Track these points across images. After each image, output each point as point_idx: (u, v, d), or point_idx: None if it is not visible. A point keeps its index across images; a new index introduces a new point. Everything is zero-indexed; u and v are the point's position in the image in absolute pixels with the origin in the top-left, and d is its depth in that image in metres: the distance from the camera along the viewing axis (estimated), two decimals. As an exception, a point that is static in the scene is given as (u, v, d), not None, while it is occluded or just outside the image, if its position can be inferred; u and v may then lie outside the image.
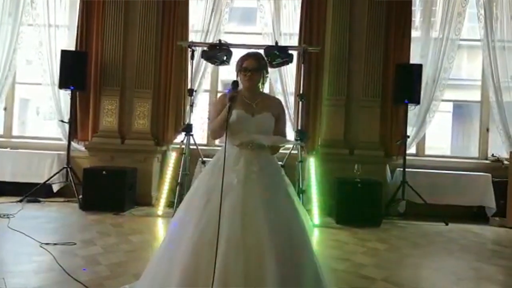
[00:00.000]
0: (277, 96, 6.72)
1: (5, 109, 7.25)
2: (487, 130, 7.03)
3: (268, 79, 2.99)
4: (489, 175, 6.51)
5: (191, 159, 6.35)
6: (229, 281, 2.37)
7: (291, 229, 2.62)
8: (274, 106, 2.93)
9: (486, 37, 6.68)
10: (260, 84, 2.90)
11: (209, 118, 6.88)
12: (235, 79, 2.84)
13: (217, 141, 7.07)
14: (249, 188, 2.62)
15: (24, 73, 7.47)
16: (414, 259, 4.53)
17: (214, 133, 2.85)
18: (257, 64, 2.85)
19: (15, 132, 7.44)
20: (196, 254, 2.45)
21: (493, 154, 6.90)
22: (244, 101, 2.80)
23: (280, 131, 2.92)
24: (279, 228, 2.55)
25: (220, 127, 2.71)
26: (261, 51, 5.89)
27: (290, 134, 6.34)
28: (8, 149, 6.91)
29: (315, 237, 5.30)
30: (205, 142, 7.09)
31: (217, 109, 2.83)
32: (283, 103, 6.54)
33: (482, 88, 7.09)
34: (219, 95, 3.30)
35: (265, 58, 2.99)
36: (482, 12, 6.70)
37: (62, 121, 6.71)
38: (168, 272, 2.55)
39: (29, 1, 6.93)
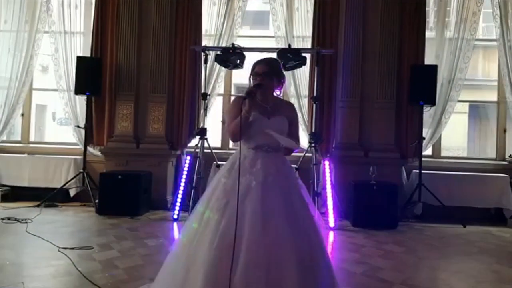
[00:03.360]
0: (290, 99, 6.76)
1: (22, 115, 7.36)
2: (504, 130, 6.93)
3: (283, 84, 2.99)
4: (507, 176, 6.41)
5: (206, 163, 6.37)
6: (250, 283, 2.39)
7: (307, 230, 2.65)
8: (287, 109, 2.97)
9: (502, 36, 6.59)
10: (274, 89, 2.92)
11: (223, 122, 6.99)
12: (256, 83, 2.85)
13: (231, 145, 7.12)
14: (267, 190, 2.63)
15: (41, 80, 7.57)
16: (432, 261, 4.48)
17: (234, 135, 2.80)
18: (268, 69, 2.87)
19: (32, 138, 7.56)
20: (218, 256, 2.45)
21: (510, 155, 6.80)
22: (259, 104, 2.81)
23: (293, 134, 2.94)
24: (297, 229, 2.57)
25: (241, 126, 2.69)
26: (274, 54, 5.93)
27: (304, 137, 6.33)
28: (25, 155, 7.01)
29: (332, 240, 5.28)
30: (219, 145, 7.11)
31: (232, 112, 2.84)
32: (297, 106, 6.65)
33: (498, 88, 6.99)
34: (232, 98, 3.26)
35: (279, 64, 3.00)
36: (498, 11, 6.61)
37: (78, 126, 6.79)
38: (186, 274, 2.54)
39: (45, 9, 7.04)
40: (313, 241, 2.64)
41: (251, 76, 2.90)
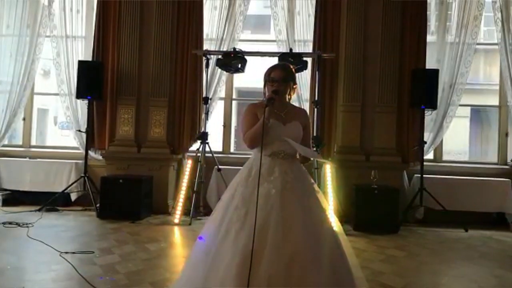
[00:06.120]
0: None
1: (23, 119, 7.37)
2: (506, 134, 6.91)
3: (295, 90, 3.00)
4: (509, 180, 6.39)
5: (207, 167, 6.37)
6: None
7: (326, 235, 2.63)
8: (301, 115, 2.96)
9: (504, 40, 6.59)
10: (287, 95, 2.91)
11: (224, 125, 6.99)
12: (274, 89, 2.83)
13: (232, 149, 7.13)
14: (286, 198, 2.63)
15: (42, 84, 7.58)
16: (434, 266, 4.46)
17: (253, 142, 2.78)
18: (284, 74, 2.87)
19: (33, 142, 7.57)
20: (242, 267, 2.41)
21: (512, 159, 6.79)
22: (273, 111, 2.79)
23: (306, 141, 2.93)
24: (316, 236, 2.57)
25: (260, 133, 2.68)
26: (275, 59, 5.93)
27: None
28: (27, 159, 7.02)
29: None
30: (220, 149, 7.11)
31: (247, 120, 2.84)
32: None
33: (500, 92, 6.98)
34: (248, 103, 3.16)
35: (293, 69, 3.00)
36: (499, 15, 6.61)
37: (79, 130, 6.79)
38: (205, 283, 2.52)
39: (47, 13, 7.06)
40: (333, 246, 2.63)
41: (266, 82, 2.88)
